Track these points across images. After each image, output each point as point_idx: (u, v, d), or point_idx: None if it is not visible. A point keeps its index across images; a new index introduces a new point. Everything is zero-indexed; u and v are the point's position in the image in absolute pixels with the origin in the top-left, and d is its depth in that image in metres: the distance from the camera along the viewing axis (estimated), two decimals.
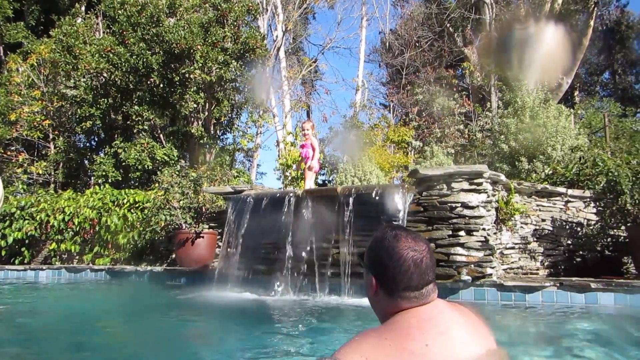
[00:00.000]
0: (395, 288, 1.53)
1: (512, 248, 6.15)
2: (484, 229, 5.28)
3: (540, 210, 6.60)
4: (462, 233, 5.22)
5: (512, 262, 6.11)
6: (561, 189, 6.80)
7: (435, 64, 18.73)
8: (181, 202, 7.57)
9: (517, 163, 8.93)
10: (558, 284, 5.05)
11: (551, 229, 6.62)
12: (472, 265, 5.17)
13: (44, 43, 13.61)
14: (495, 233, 5.68)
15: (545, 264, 6.51)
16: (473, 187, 5.32)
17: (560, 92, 16.68)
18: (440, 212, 5.31)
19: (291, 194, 5.68)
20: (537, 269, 6.42)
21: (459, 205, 5.27)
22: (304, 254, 5.62)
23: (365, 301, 4.99)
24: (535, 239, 6.43)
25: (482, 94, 16.41)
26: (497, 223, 5.82)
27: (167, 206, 7.62)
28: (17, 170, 12.27)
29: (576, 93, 24.99)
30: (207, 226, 7.49)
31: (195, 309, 5.12)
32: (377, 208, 5.35)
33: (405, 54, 19.01)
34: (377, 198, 5.30)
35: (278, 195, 5.82)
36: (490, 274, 5.26)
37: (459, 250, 5.19)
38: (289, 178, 12.31)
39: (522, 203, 6.28)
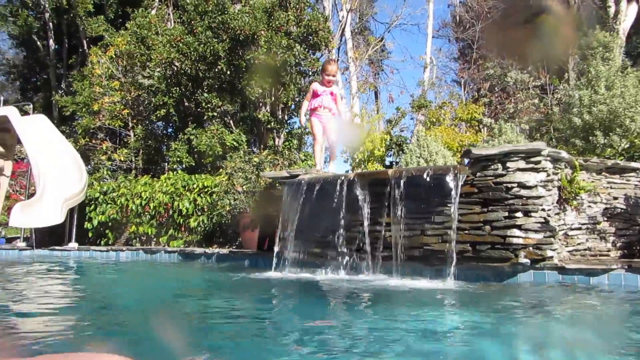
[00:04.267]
0: None
1: (579, 229, 5.84)
2: (543, 210, 5.06)
3: (611, 187, 6.22)
4: (519, 214, 5.03)
5: (579, 244, 5.81)
6: (635, 164, 6.35)
7: None
8: (244, 187, 7.83)
9: (591, 138, 8.41)
10: (626, 266, 4.78)
11: (624, 207, 6.23)
12: (531, 248, 4.99)
13: (121, 35, 14.37)
14: (557, 213, 5.42)
15: (618, 244, 6.14)
16: (530, 165, 5.09)
17: None
18: (496, 193, 5.13)
19: (343, 178, 5.72)
20: (608, 250, 6.07)
21: (516, 185, 5.07)
22: (356, 236, 5.67)
23: (416, 283, 4.93)
24: (605, 219, 6.08)
25: (559, 64, 15.48)
26: (560, 203, 5.55)
27: (232, 191, 7.92)
28: (102, 158, 13.15)
29: None
30: None
31: (254, 288, 5.30)
32: (428, 190, 5.27)
33: (476, 26, 18.25)
34: (428, 180, 5.22)
35: (330, 179, 5.87)
36: (551, 257, 5.04)
37: (516, 232, 5.01)
38: (357, 160, 12.33)
39: (589, 181, 5.94)
